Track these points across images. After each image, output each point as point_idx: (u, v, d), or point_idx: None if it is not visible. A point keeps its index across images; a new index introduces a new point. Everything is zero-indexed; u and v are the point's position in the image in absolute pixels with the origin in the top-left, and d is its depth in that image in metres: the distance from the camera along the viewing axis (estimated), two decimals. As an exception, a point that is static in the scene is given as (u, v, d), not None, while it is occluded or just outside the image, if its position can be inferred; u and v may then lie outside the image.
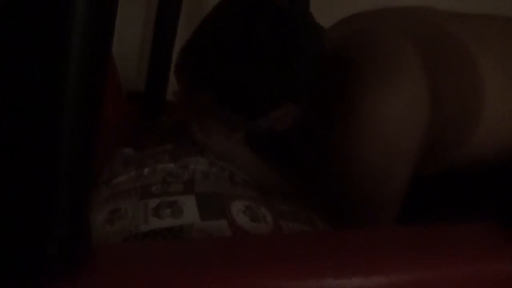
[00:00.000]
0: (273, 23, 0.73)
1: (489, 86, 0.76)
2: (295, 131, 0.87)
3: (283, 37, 0.73)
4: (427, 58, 0.74)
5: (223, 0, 0.79)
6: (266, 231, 0.71)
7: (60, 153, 0.44)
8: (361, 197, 0.77)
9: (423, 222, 0.59)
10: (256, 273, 0.52)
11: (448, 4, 0.89)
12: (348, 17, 0.93)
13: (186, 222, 0.69)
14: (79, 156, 0.46)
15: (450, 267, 0.57)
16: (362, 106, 0.73)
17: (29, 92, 0.41)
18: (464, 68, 0.77)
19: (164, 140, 1.09)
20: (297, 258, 0.54)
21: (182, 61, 0.80)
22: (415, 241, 0.59)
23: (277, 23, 0.74)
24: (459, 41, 0.78)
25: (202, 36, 0.78)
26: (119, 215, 0.70)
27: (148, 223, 0.68)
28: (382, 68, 0.74)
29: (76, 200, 0.46)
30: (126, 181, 0.82)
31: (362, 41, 0.80)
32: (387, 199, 0.77)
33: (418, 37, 0.77)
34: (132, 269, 0.50)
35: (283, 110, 0.79)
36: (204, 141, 0.89)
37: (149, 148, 1.05)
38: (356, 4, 1.50)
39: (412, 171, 0.76)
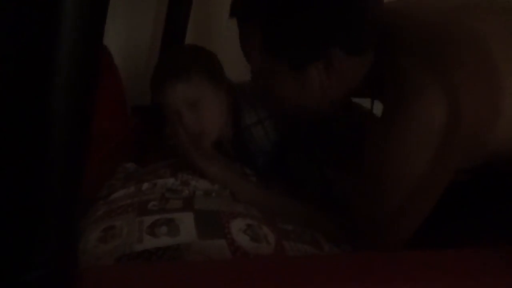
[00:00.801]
0: None
1: (505, 75, 0.70)
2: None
3: None
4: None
5: None
6: (267, 252, 0.67)
7: (45, 171, 0.41)
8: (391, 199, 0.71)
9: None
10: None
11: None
12: None
13: (183, 241, 0.65)
14: (65, 176, 0.43)
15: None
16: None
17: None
18: (480, 57, 0.72)
19: (168, 154, 1.06)
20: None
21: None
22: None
23: None
24: (474, 30, 0.72)
25: None
26: (113, 233, 0.66)
27: (143, 242, 0.64)
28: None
29: (60, 223, 0.43)
30: (123, 197, 0.78)
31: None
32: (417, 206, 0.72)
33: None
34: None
35: (332, 59, 0.73)
36: (202, 167, 0.87)
37: (152, 163, 1.02)
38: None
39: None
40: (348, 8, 0.71)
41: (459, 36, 0.71)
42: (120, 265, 0.60)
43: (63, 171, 0.44)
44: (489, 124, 0.69)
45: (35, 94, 0.39)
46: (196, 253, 0.64)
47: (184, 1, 1.30)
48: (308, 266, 0.58)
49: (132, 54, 1.43)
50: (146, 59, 1.43)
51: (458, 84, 0.67)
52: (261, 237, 0.69)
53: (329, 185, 0.93)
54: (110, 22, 1.49)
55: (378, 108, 0.81)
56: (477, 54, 0.69)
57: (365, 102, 0.98)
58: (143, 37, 1.45)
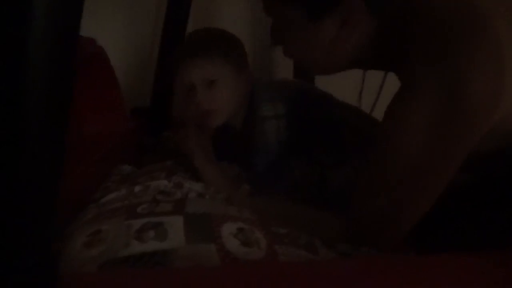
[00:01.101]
0: None
1: (507, 53, 0.67)
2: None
3: None
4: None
5: None
6: (258, 257, 0.64)
7: (21, 175, 0.39)
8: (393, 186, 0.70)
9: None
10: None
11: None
12: None
13: (170, 247, 0.62)
14: (41, 180, 0.41)
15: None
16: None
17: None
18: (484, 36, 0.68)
19: (165, 156, 1.05)
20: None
21: None
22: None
23: None
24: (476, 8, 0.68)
25: None
26: (99, 238, 0.64)
27: (129, 247, 0.62)
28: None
29: (36, 229, 0.41)
30: (114, 200, 0.76)
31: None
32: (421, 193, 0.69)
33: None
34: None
35: (349, 11, 0.71)
36: (199, 168, 0.91)
37: (148, 165, 1.00)
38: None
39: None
40: None
41: (462, 15, 0.67)
42: (103, 273, 0.57)
43: (38, 174, 0.42)
44: (495, 103, 0.66)
45: (7, 94, 0.38)
46: (184, 258, 0.61)
47: (183, 0, 1.29)
48: (301, 272, 0.56)
49: (131, 55, 1.42)
50: (145, 60, 1.42)
51: (464, 67, 0.64)
52: (252, 241, 0.66)
53: (327, 189, 0.91)
54: (109, 23, 1.48)
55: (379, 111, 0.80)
56: (481, 33, 0.66)
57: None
58: (142, 38, 1.44)
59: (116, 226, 0.66)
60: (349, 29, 0.74)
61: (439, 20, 0.67)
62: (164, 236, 0.64)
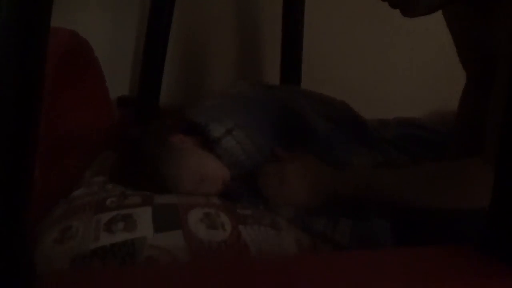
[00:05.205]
0: None
1: None
2: None
3: None
4: None
5: None
6: (223, 238, 0.68)
7: None
8: None
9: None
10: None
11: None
12: None
13: (139, 236, 0.66)
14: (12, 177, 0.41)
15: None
16: None
17: None
18: None
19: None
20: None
21: None
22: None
23: None
24: None
25: None
26: (70, 234, 0.67)
27: (99, 239, 0.65)
28: None
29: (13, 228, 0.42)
30: (83, 195, 0.79)
31: None
32: None
33: None
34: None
35: None
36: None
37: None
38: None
39: None
40: None
41: None
42: (75, 270, 0.61)
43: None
44: None
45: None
46: (152, 246, 0.65)
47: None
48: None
49: (117, 46, 1.43)
50: (131, 50, 1.44)
51: None
52: (218, 224, 0.70)
53: None
54: (96, 13, 1.48)
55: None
56: None
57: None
58: (129, 28, 1.45)
59: (85, 222, 0.69)
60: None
61: None
62: (133, 226, 0.68)
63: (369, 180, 0.80)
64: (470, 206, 0.68)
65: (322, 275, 0.51)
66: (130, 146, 0.91)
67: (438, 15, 0.85)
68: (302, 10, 1.34)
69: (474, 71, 0.89)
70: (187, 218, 0.70)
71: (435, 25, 0.96)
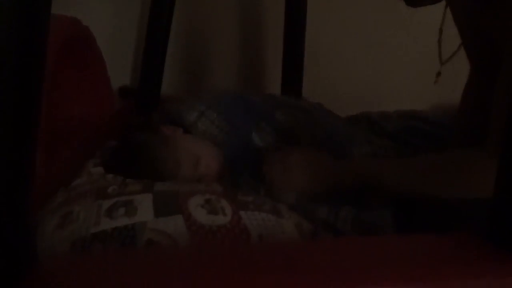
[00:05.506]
0: None
1: None
2: None
3: None
4: None
5: None
6: (224, 223, 0.68)
7: None
8: None
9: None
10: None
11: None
12: None
13: (139, 220, 0.66)
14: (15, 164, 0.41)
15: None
16: None
17: None
18: None
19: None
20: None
21: None
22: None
23: None
24: None
25: None
26: (71, 219, 0.67)
27: (99, 224, 0.65)
28: None
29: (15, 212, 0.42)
30: (85, 183, 0.79)
31: None
32: None
33: None
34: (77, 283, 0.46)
35: None
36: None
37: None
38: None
39: None
40: None
41: None
42: (77, 253, 0.61)
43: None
44: None
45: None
46: (152, 230, 0.65)
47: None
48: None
49: (119, 35, 1.42)
50: (133, 40, 1.43)
51: None
52: (218, 209, 0.69)
53: None
54: (98, 3, 1.47)
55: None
56: None
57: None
58: (131, 18, 1.45)
59: (86, 207, 0.69)
60: None
61: None
62: (134, 212, 0.68)
63: (371, 169, 0.81)
64: (472, 194, 0.68)
65: (322, 259, 0.51)
66: (124, 138, 0.94)
67: (442, 8, 0.85)
68: (305, 9, 1.34)
69: (479, 62, 0.90)
70: (187, 203, 0.70)
71: (438, 18, 0.96)
